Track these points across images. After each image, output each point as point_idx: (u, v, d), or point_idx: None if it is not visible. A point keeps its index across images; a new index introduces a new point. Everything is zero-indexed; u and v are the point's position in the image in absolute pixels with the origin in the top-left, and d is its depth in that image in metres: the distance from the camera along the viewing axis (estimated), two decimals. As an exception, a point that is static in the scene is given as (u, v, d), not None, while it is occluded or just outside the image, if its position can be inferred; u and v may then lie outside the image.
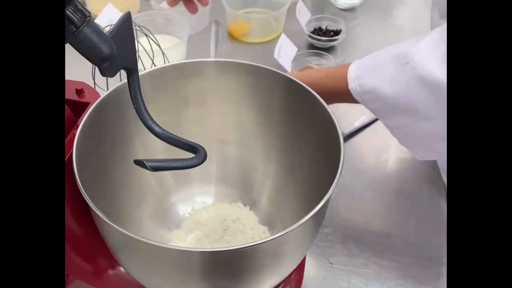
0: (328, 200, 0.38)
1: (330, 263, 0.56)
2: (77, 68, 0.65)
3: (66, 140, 0.44)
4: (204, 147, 0.38)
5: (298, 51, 0.82)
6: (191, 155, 0.38)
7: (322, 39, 0.89)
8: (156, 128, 0.38)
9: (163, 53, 0.72)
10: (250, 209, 0.57)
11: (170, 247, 0.35)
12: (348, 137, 0.72)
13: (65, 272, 0.49)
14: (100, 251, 0.49)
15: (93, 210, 0.37)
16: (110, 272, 0.51)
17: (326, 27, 0.92)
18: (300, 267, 0.51)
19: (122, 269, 0.50)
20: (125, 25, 0.35)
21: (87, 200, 0.37)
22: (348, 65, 0.55)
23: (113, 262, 0.50)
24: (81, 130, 0.42)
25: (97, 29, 0.33)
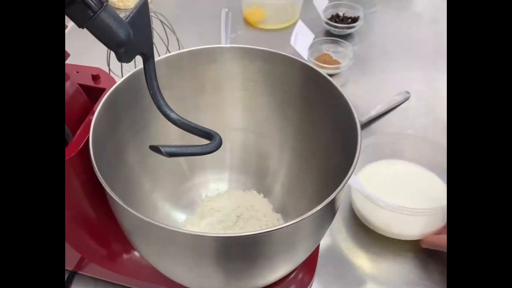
0: (343, 189, 0.38)
1: (344, 251, 0.56)
2: (91, 54, 0.66)
3: (82, 126, 0.44)
4: (219, 134, 0.38)
5: (315, 38, 0.81)
6: (206, 141, 0.38)
7: (340, 26, 0.87)
8: (172, 114, 0.38)
9: (177, 40, 0.72)
10: (264, 197, 0.57)
11: (185, 231, 0.35)
12: (364, 125, 0.71)
13: (80, 255, 0.50)
14: (115, 235, 0.49)
15: (109, 195, 0.37)
16: (125, 256, 0.52)
17: (343, 14, 0.91)
18: (314, 255, 0.51)
19: (136, 253, 0.51)
20: (142, 11, 0.35)
21: (103, 184, 0.37)
22: None
23: (128, 246, 0.51)
24: (97, 116, 0.42)
25: (114, 14, 0.33)
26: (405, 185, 0.58)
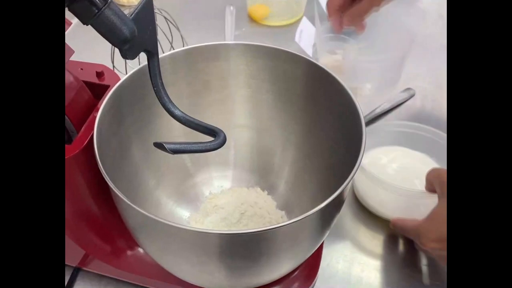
0: (347, 186, 0.38)
1: (349, 248, 0.56)
2: (95, 51, 0.66)
3: (87, 123, 0.44)
4: (223, 131, 0.38)
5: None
6: (210, 138, 0.38)
7: (344, 23, 0.87)
8: (176, 111, 0.38)
9: (181, 37, 0.72)
10: (268, 194, 0.57)
11: (189, 228, 0.35)
12: (368, 123, 0.71)
13: (85, 252, 0.50)
14: (119, 232, 0.49)
15: (113, 191, 0.37)
16: (129, 252, 0.52)
17: (348, 10, 0.90)
18: (318, 252, 0.51)
19: (140, 249, 0.51)
20: (146, 7, 0.35)
21: (107, 181, 0.37)
22: None
23: (132, 243, 0.51)
24: (101, 113, 0.43)
25: (118, 11, 0.33)
26: (402, 170, 0.60)
